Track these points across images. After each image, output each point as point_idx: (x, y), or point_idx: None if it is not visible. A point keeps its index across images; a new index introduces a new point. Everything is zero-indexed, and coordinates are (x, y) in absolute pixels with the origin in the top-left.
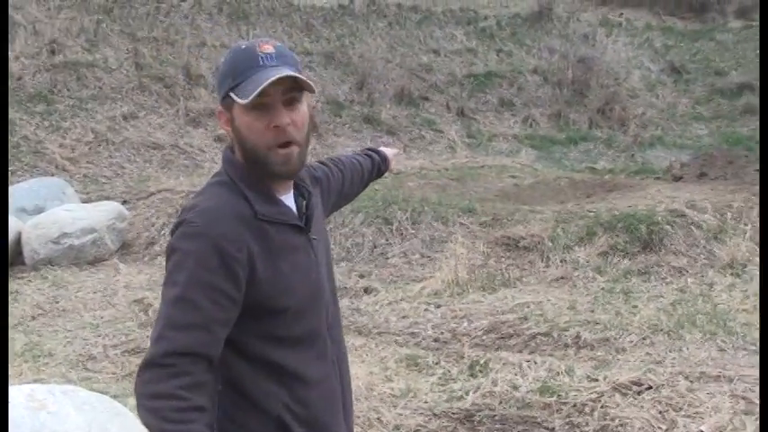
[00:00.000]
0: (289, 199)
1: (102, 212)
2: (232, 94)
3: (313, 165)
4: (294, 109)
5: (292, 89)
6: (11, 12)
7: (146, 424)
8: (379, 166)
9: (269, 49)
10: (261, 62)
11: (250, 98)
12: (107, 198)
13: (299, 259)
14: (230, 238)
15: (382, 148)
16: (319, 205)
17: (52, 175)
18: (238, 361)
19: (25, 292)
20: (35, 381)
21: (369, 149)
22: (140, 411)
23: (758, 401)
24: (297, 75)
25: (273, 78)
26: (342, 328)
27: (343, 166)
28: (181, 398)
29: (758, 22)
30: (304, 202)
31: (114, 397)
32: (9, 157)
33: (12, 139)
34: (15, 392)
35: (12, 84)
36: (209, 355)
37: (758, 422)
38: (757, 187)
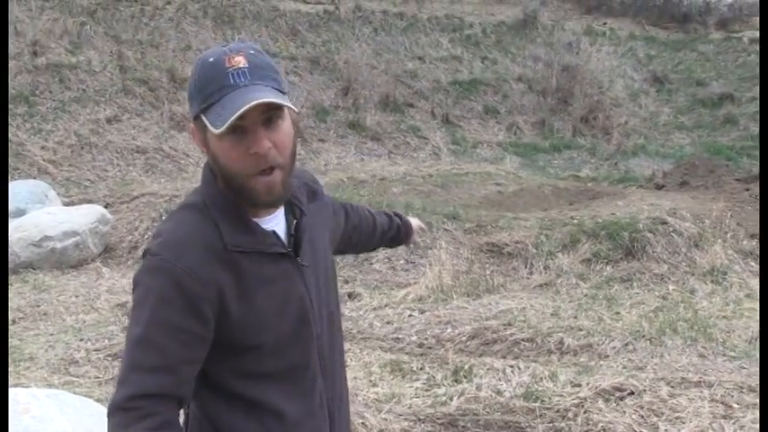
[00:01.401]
0: (274, 219)
1: (85, 216)
2: (203, 118)
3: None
4: (275, 128)
5: (271, 107)
6: None
7: None
8: (398, 228)
9: (240, 62)
10: (231, 80)
11: (223, 128)
12: (90, 201)
13: (280, 290)
14: (196, 273)
15: (409, 217)
16: (319, 224)
17: (34, 178)
18: (212, 395)
19: None
20: (16, 385)
21: (394, 212)
22: None
23: (737, 406)
24: (275, 100)
25: (248, 107)
26: (343, 362)
27: (351, 210)
28: None
29: (738, 35)
30: (294, 222)
31: (97, 401)
32: None
33: None
34: None
35: None
36: (177, 395)
37: (736, 426)
38: (737, 196)
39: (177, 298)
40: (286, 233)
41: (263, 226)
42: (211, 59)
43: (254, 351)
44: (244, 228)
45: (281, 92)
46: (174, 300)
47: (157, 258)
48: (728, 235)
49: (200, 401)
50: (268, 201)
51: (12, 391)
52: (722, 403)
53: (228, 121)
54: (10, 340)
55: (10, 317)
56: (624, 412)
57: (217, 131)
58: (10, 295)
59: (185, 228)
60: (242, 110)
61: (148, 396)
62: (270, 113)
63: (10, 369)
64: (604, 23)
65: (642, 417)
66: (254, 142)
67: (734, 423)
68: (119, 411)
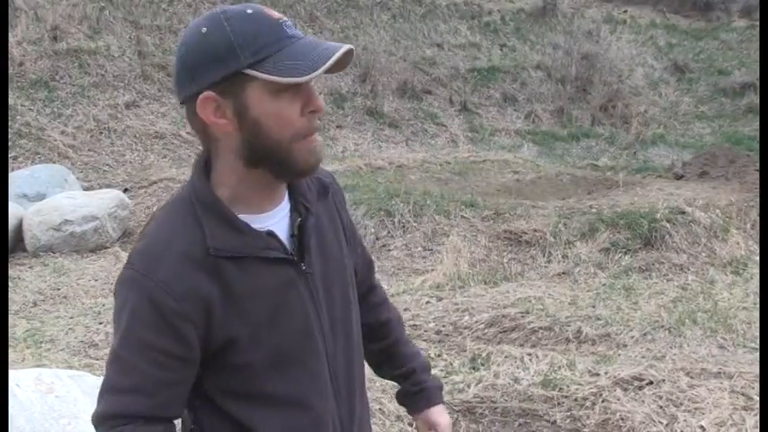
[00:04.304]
0: (274, 217)
1: (104, 200)
2: (253, 72)
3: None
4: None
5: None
6: None
7: None
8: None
9: (278, 15)
10: (289, 32)
11: (319, 71)
12: (108, 186)
13: (277, 300)
14: (171, 287)
15: (421, 362)
16: (330, 224)
17: (54, 163)
18: (210, 416)
19: (26, 279)
20: (37, 366)
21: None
22: None
23: (758, 398)
24: (352, 47)
25: (343, 51)
26: (363, 380)
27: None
28: None
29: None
30: (299, 220)
31: None
32: (10, 144)
33: (13, 126)
34: (23, 376)
35: (13, 69)
36: (159, 416)
37: (758, 418)
38: (758, 186)
39: (150, 315)
40: (288, 234)
41: (259, 225)
42: (249, 11)
43: (244, 369)
44: (230, 228)
45: None
46: (146, 317)
47: (131, 270)
48: (749, 225)
49: (195, 415)
50: (313, 165)
51: (35, 371)
52: (743, 395)
53: (328, 63)
54: (31, 322)
55: (31, 299)
56: (643, 401)
57: (302, 79)
58: (30, 278)
59: (166, 231)
60: (338, 53)
61: (123, 416)
62: None
63: (32, 350)
64: (625, 11)
65: (661, 407)
66: (313, 97)
67: (755, 415)
68: (97, 427)
